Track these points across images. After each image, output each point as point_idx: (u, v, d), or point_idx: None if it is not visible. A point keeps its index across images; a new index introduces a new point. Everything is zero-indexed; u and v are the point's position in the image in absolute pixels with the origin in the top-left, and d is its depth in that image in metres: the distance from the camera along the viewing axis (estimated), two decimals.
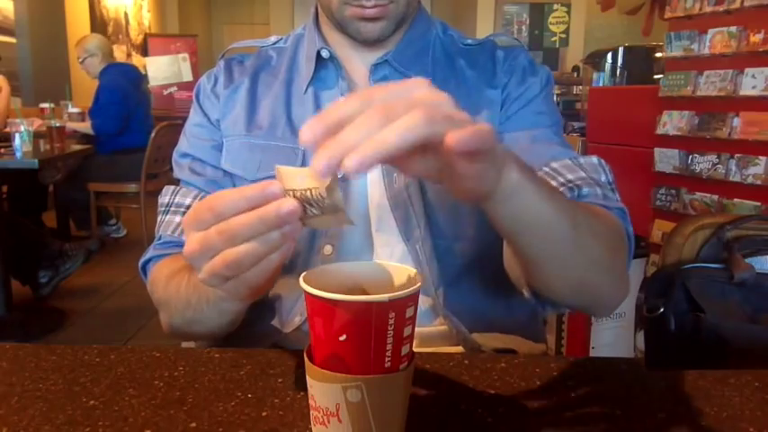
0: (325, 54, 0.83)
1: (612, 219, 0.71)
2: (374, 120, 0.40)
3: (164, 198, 0.84)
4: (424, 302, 0.79)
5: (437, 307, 0.80)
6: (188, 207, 0.82)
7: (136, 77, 4.16)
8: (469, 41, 0.89)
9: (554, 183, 0.74)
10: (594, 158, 0.79)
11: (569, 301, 0.69)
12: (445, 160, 0.44)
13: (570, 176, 0.75)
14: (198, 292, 0.64)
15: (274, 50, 0.90)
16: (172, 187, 0.85)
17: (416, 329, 0.70)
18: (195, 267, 0.51)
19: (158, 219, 0.84)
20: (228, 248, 0.47)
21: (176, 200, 0.83)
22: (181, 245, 0.80)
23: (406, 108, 0.40)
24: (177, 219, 0.82)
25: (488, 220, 0.54)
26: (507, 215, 0.53)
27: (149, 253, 0.82)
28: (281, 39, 0.92)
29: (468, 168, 0.44)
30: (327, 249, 0.79)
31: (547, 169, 0.76)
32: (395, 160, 0.43)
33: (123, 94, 3.88)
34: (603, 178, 0.77)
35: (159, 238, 0.82)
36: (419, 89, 0.43)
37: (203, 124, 0.86)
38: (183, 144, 0.88)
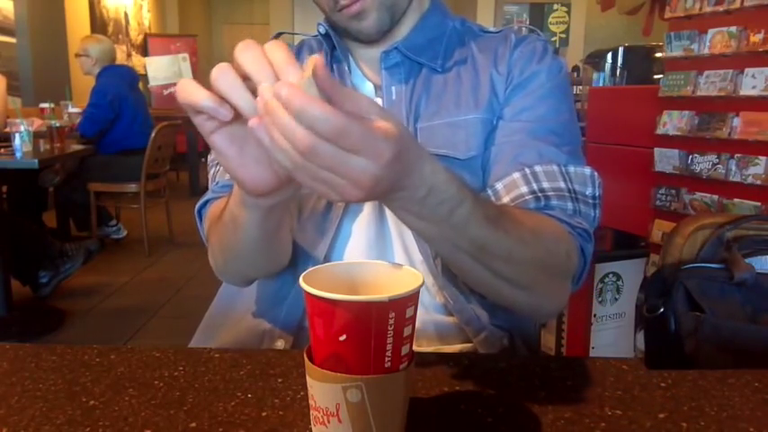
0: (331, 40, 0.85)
1: (563, 242, 0.70)
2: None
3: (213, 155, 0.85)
4: (436, 296, 0.80)
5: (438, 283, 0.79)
6: None
7: (132, 79, 4.15)
8: (490, 30, 0.88)
9: (525, 188, 0.73)
10: (588, 170, 0.77)
11: (496, 302, 0.75)
12: None
13: (546, 185, 0.73)
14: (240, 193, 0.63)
15: (316, 41, 0.92)
16: None
17: (430, 320, 0.70)
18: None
19: (211, 171, 0.86)
20: None
21: None
22: None
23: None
24: None
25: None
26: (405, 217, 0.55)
27: (207, 196, 0.83)
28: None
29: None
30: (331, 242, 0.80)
31: (527, 171, 0.74)
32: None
33: (113, 98, 3.86)
34: (589, 191, 0.76)
35: (216, 183, 0.83)
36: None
37: None
38: None
